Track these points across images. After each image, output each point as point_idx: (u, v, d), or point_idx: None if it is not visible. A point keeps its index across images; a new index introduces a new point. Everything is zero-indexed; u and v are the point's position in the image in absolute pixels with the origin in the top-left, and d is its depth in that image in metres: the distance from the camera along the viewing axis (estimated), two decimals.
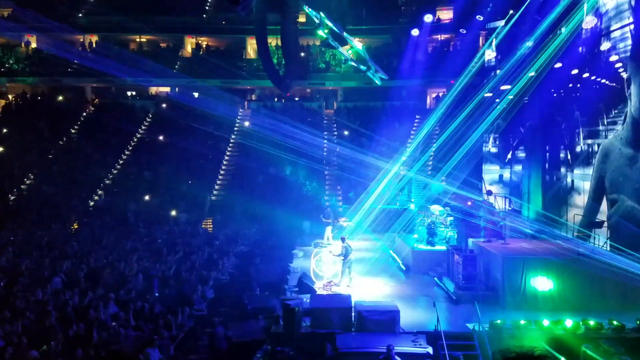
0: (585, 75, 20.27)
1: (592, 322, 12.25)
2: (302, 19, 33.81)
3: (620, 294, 13.47)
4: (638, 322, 12.20)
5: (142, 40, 37.32)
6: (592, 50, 19.65)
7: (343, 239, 16.72)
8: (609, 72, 18.69)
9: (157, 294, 15.38)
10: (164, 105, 35.09)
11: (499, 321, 12.29)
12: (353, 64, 20.91)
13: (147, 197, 27.45)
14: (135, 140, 32.62)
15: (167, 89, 37.07)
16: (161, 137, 32.46)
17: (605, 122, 19.16)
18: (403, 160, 26.56)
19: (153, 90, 37.10)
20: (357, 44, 20.11)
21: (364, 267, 17.78)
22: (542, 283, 13.71)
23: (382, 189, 24.67)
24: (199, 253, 19.72)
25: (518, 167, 23.21)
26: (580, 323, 12.24)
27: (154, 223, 24.65)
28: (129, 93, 36.56)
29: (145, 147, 31.95)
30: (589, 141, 20.39)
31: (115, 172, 29.89)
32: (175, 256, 19.21)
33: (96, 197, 27.89)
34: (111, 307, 13.70)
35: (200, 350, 12.72)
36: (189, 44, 37.61)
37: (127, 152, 31.50)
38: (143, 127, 33.58)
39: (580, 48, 20.01)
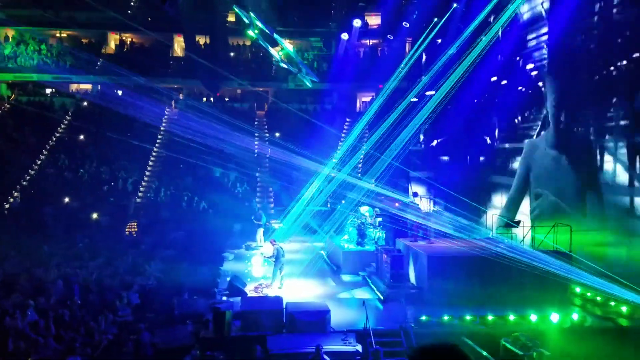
0: (504, 82, 21.38)
1: (511, 317, 12.93)
2: (231, 18, 33.45)
3: (537, 289, 14.26)
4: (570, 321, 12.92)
5: (62, 35, 35.51)
6: (510, 58, 20.77)
7: (273, 242, 16.69)
8: (525, 79, 19.83)
9: (78, 301, 14.68)
10: (85, 104, 33.55)
11: (423, 318, 12.74)
12: (284, 65, 20.95)
13: (66, 200, 26.14)
14: (54, 139, 30.98)
15: (88, 87, 35.49)
16: (82, 137, 31.02)
17: (522, 127, 20.27)
18: (334, 162, 26.87)
19: (74, 87, 35.38)
20: (288, 45, 20.19)
21: (295, 269, 17.82)
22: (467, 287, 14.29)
23: (313, 190, 24.84)
24: (122, 257, 19.02)
25: (442, 169, 24.11)
26: (499, 317, 12.88)
27: (74, 227, 23.51)
28: (47, 90, 34.66)
29: (65, 147, 30.42)
30: (507, 145, 21.52)
31: (32, 173, 28.23)
32: (97, 261, 18.43)
33: (12, 200, 26.23)
34: (30, 315, 12.93)
35: (125, 357, 12.26)
36: (113, 40, 36.19)
37: (45, 152, 29.85)
38: (63, 126, 31.95)
39: (499, 56, 21.09)
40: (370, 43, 35.33)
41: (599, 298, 14.19)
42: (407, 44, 31.34)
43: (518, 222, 16.46)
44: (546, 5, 18.59)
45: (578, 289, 14.76)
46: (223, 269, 18.53)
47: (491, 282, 14.31)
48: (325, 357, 10.66)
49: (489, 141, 22.80)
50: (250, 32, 18.11)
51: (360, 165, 29.22)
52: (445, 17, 23.38)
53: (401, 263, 15.19)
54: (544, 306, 13.47)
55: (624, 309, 13.40)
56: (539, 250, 14.79)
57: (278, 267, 15.92)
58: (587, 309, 13.99)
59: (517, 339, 11.55)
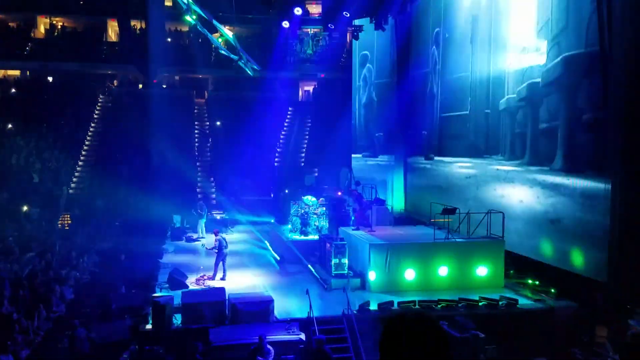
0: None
1: (447, 301, 13.36)
2: (168, 2, 32.43)
3: (473, 273, 14.83)
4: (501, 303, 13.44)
5: None
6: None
7: (216, 232, 16.48)
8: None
9: (9, 297, 13.97)
10: (13, 91, 31.74)
11: (364, 304, 13.00)
12: (224, 52, 20.57)
13: None
14: None
15: (17, 73, 33.61)
16: (10, 126, 29.37)
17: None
18: (278, 151, 26.79)
19: (0, 73, 33.41)
20: (228, 32, 19.83)
21: (239, 259, 17.66)
22: (408, 273, 14.68)
23: (257, 180, 24.72)
24: (55, 251, 18.24)
25: (384, 157, 24.43)
26: (437, 302, 13.31)
27: (2, 220, 22.31)
28: None
29: None
30: (445, 131, 22.01)
31: None
32: (28, 255, 17.59)
33: None
34: None
35: (61, 353, 11.84)
36: (42, 24, 34.31)
37: None
38: None
39: (434, 47, 21.58)
40: (312, 32, 35.24)
41: (530, 280, 14.88)
42: (348, 34, 31.46)
43: (454, 210, 16.94)
44: None
45: (511, 271, 15.44)
46: (163, 261, 18.12)
47: (429, 267, 14.77)
48: (268, 347, 10.66)
49: (428, 126, 23.19)
50: (188, 17, 17.56)
51: (303, 155, 29.26)
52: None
53: (344, 251, 15.37)
54: (478, 289, 14.06)
55: (552, 290, 14.11)
56: (473, 237, 15.33)
57: (221, 258, 15.72)
58: (519, 290, 14.63)
59: (454, 321, 11.96)
